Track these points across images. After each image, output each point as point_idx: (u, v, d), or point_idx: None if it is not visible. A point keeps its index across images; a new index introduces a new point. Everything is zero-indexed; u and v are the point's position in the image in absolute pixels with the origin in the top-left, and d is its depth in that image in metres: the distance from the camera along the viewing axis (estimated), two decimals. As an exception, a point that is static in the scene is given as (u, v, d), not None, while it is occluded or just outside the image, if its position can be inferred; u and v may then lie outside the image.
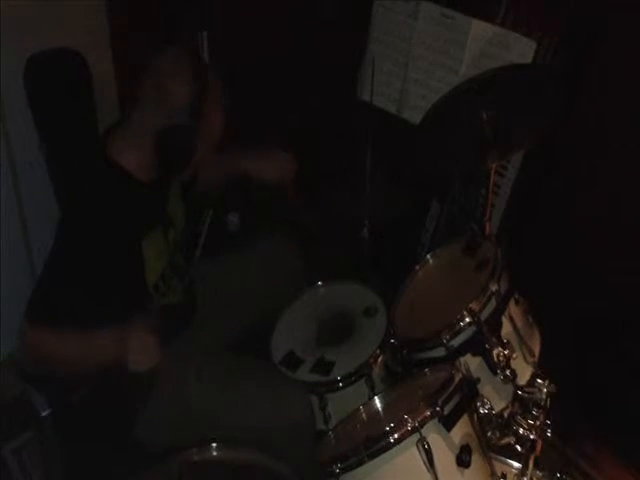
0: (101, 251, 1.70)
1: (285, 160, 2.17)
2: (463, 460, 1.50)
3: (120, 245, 1.73)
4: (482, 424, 1.71)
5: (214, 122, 1.78)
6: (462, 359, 1.79)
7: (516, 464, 1.84)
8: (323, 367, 1.99)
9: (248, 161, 2.16)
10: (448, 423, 1.51)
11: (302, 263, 2.29)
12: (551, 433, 1.77)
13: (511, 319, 1.82)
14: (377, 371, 1.97)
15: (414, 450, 1.48)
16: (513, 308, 1.84)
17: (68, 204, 1.90)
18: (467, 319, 1.77)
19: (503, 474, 1.62)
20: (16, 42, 2.29)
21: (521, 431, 1.78)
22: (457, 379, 1.59)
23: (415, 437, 1.48)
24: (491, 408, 1.76)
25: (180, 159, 1.74)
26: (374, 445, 1.49)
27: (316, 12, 2.66)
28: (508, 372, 1.74)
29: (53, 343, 1.71)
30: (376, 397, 1.77)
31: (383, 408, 1.74)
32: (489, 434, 1.76)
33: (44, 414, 1.90)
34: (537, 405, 1.76)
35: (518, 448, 1.80)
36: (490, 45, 2.28)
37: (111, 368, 1.70)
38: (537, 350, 1.86)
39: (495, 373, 1.75)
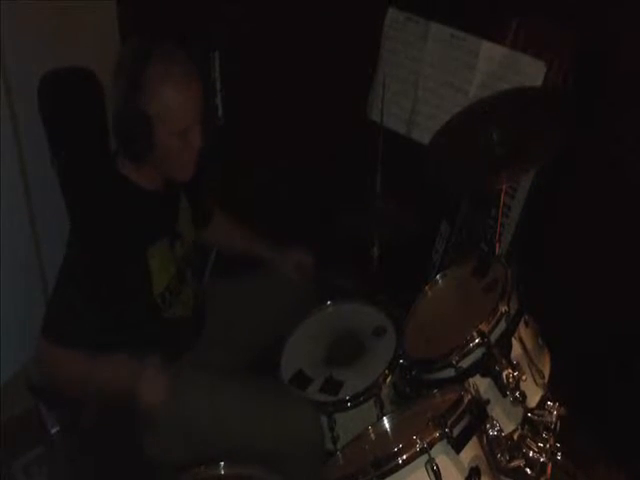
0: (108, 257, 1.75)
1: (302, 261, 2.24)
2: (472, 482, 1.48)
3: (126, 252, 1.78)
4: (491, 446, 1.69)
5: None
6: (471, 380, 1.78)
7: (526, 487, 1.83)
8: (332, 387, 1.99)
9: (265, 251, 2.27)
10: (457, 445, 1.49)
11: (312, 282, 2.29)
12: (561, 456, 1.77)
13: (521, 341, 1.81)
14: (386, 391, 1.96)
15: (423, 471, 1.47)
16: (523, 330, 1.83)
17: (78, 213, 1.95)
18: (477, 340, 1.77)
19: (512, 497, 1.61)
20: (31, 60, 2.33)
21: (531, 454, 1.78)
22: (466, 400, 1.57)
23: (424, 458, 1.47)
24: (500, 430, 1.74)
25: (136, 142, 1.76)
26: (383, 466, 1.48)
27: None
28: (518, 394, 1.74)
29: (68, 362, 1.74)
30: (385, 418, 1.76)
31: (392, 429, 1.73)
32: (498, 456, 1.74)
33: (54, 431, 1.90)
34: (547, 428, 1.76)
35: (528, 471, 1.79)
36: (500, 66, 2.28)
37: (121, 395, 1.72)
38: (547, 372, 1.85)
39: (505, 395, 1.75)
